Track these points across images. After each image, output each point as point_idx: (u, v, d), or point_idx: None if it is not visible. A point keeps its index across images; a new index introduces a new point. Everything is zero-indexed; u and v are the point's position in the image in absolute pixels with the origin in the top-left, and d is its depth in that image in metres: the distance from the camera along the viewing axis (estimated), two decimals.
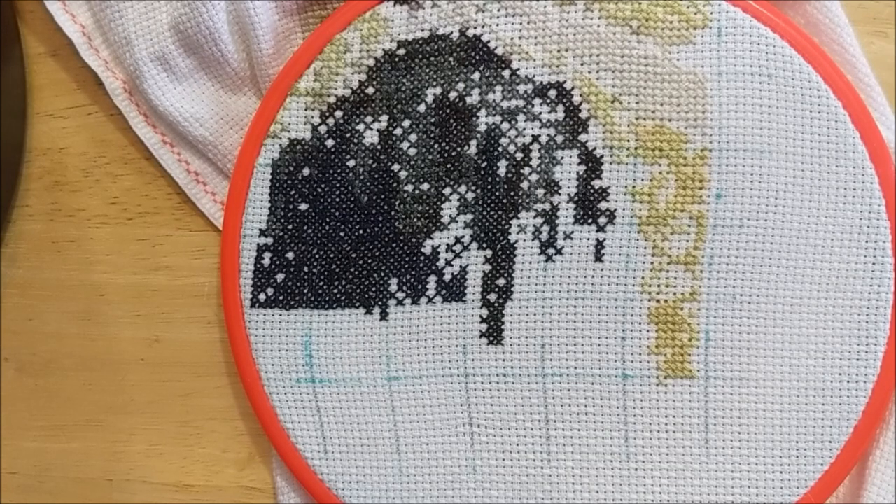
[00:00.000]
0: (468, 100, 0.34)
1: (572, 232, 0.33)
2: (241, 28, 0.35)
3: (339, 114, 0.35)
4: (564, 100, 0.33)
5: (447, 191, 0.34)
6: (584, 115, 0.33)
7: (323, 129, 0.35)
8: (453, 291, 0.34)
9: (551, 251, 0.34)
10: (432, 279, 0.34)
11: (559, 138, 0.33)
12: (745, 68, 0.33)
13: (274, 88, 0.35)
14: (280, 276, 0.35)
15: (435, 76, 0.34)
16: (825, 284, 0.33)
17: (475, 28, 0.34)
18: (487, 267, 0.34)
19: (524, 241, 0.34)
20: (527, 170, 0.34)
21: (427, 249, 0.34)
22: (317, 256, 0.35)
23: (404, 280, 0.34)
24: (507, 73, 0.34)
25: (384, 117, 0.34)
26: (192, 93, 0.36)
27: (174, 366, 0.38)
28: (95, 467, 0.38)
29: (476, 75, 0.34)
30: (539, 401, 0.34)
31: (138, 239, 0.38)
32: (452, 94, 0.34)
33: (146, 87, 0.36)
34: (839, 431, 0.33)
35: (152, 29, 0.36)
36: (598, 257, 0.33)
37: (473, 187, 0.34)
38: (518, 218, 0.34)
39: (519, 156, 0.34)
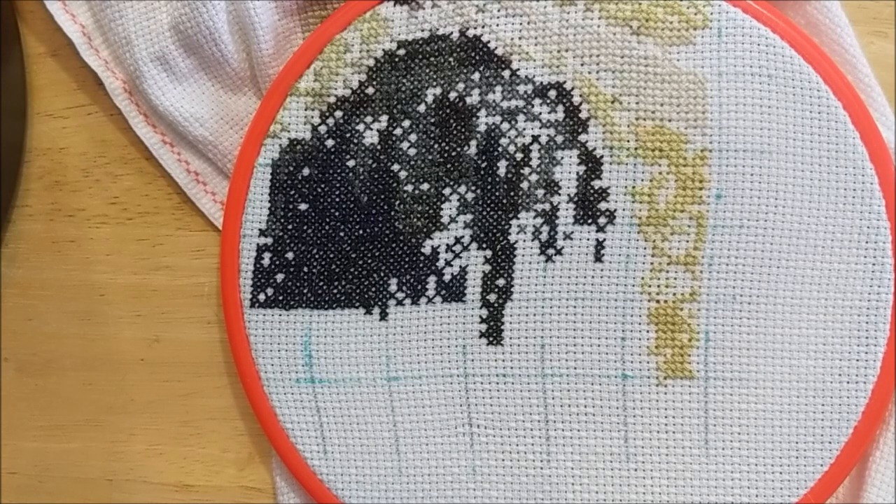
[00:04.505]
0: (468, 100, 0.34)
1: (572, 232, 0.33)
2: (241, 28, 0.35)
3: (339, 114, 0.35)
4: (564, 100, 0.33)
5: (447, 191, 0.34)
6: (584, 115, 0.33)
7: (323, 129, 0.35)
8: (453, 291, 0.34)
9: (551, 251, 0.34)
10: (432, 279, 0.34)
11: (559, 138, 0.33)
12: (745, 69, 0.33)
13: (274, 88, 0.35)
14: (280, 276, 0.35)
15: (435, 76, 0.34)
16: (825, 285, 0.33)
17: (475, 28, 0.34)
18: (487, 267, 0.34)
19: (524, 241, 0.34)
20: (527, 170, 0.34)
21: (427, 249, 0.34)
22: (317, 256, 0.35)
23: (404, 280, 0.34)
24: (507, 73, 0.34)
25: (384, 117, 0.34)
26: (192, 93, 0.36)
27: (174, 366, 0.38)
28: (95, 467, 0.38)
29: (476, 75, 0.34)
30: (539, 401, 0.34)
31: (138, 239, 0.38)
32: (452, 95, 0.34)
33: (146, 87, 0.36)
34: (839, 432, 0.33)
35: (152, 29, 0.36)
36: (598, 257, 0.33)
37: (473, 187, 0.34)
38: (518, 218, 0.34)
39: (519, 156, 0.34)
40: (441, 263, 0.34)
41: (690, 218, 0.33)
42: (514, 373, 0.34)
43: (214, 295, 0.37)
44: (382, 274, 0.34)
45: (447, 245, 0.34)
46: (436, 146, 0.34)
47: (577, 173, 0.33)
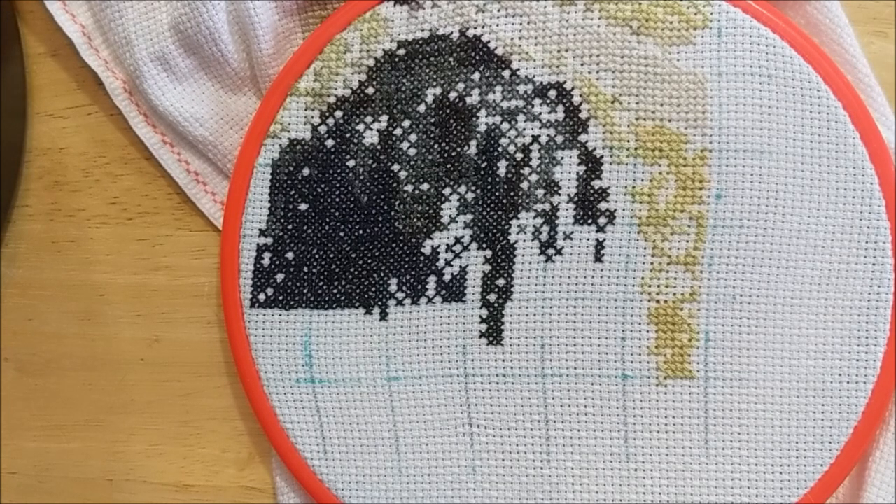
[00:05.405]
0: (468, 100, 0.34)
1: (572, 232, 0.33)
2: (241, 28, 0.35)
3: (339, 114, 0.35)
4: (564, 100, 0.33)
5: (447, 191, 0.34)
6: (584, 115, 0.33)
7: (323, 129, 0.35)
8: (453, 291, 0.34)
9: (551, 251, 0.34)
10: (432, 279, 0.34)
11: (559, 138, 0.33)
12: (745, 69, 0.33)
13: (274, 88, 0.35)
14: (280, 276, 0.35)
15: (435, 76, 0.34)
16: (825, 285, 0.33)
17: (475, 28, 0.34)
18: (487, 267, 0.34)
19: (524, 241, 0.34)
20: (527, 170, 0.34)
21: (427, 249, 0.34)
22: (316, 256, 0.35)
23: (404, 280, 0.34)
24: (507, 73, 0.34)
25: (384, 117, 0.34)
26: (192, 93, 0.36)
27: (174, 366, 0.38)
28: (95, 467, 0.38)
29: (476, 75, 0.34)
30: (539, 401, 0.34)
31: (138, 239, 0.38)
32: (452, 95, 0.34)
33: (146, 87, 0.36)
34: (839, 432, 0.33)
35: (152, 29, 0.36)
36: (598, 258, 0.33)
37: (473, 187, 0.34)
38: (518, 218, 0.34)
39: (519, 156, 0.34)
40: (441, 263, 0.34)
41: (690, 218, 0.33)
42: (514, 373, 0.34)
43: (214, 295, 0.37)
44: (382, 274, 0.34)
45: (447, 245, 0.34)
46: (436, 146, 0.34)
47: (577, 173, 0.33)
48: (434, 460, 0.34)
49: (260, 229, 0.35)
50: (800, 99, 0.33)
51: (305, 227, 0.35)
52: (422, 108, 0.34)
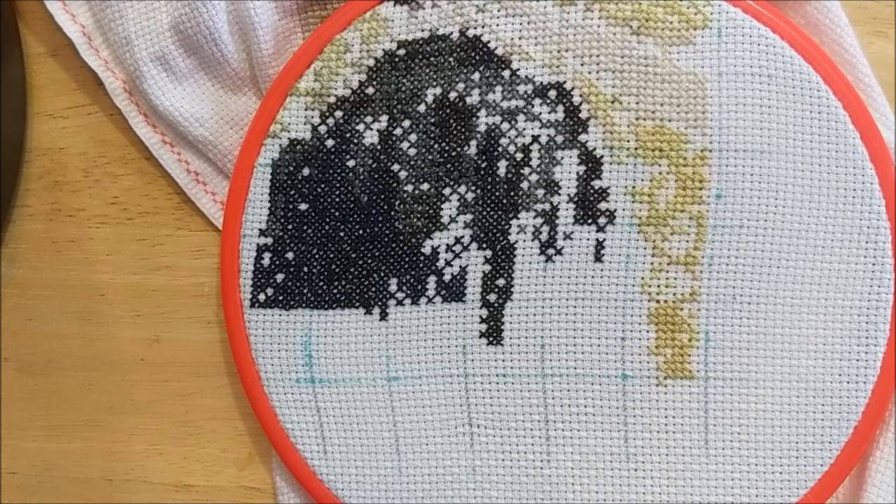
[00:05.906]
0: (468, 100, 0.34)
1: (572, 232, 0.33)
2: (241, 28, 0.35)
3: (339, 114, 0.35)
4: (564, 100, 0.33)
5: (447, 191, 0.34)
6: (584, 115, 0.33)
7: (323, 129, 0.35)
8: (453, 291, 0.34)
9: (551, 251, 0.34)
10: (432, 279, 0.34)
11: (559, 138, 0.33)
12: (745, 69, 0.33)
13: (274, 88, 0.35)
14: (280, 276, 0.35)
15: (435, 76, 0.34)
16: (825, 285, 0.33)
17: (475, 28, 0.34)
18: (487, 267, 0.34)
19: (524, 241, 0.34)
20: (527, 170, 0.34)
21: (427, 249, 0.34)
22: (317, 256, 0.35)
23: (404, 280, 0.34)
24: (507, 73, 0.34)
25: (384, 117, 0.34)
26: (192, 93, 0.36)
27: (174, 366, 0.38)
28: (95, 467, 0.38)
29: (476, 75, 0.34)
30: (539, 401, 0.34)
31: (138, 239, 0.38)
32: (452, 95, 0.34)
33: (146, 87, 0.36)
34: (839, 432, 0.33)
35: (152, 29, 0.36)
36: (598, 257, 0.33)
37: (473, 187, 0.34)
38: (518, 218, 0.34)
39: (519, 156, 0.34)
40: (441, 263, 0.34)
41: (690, 218, 0.33)
42: (514, 373, 0.34)
43: (214, 295, 0.37)
44: (382, 274, 0.34)
45: (447, 245, 0.34)
46: (436, 146, 0.34)
47: (577, 173, 0.33)
48: (434, 460, 0.34)
49: (260, 229, 0.35)
50: (800, 99, 0.33)
51: (305, 227, 0.35)
52: (422, 108, 0.34)
